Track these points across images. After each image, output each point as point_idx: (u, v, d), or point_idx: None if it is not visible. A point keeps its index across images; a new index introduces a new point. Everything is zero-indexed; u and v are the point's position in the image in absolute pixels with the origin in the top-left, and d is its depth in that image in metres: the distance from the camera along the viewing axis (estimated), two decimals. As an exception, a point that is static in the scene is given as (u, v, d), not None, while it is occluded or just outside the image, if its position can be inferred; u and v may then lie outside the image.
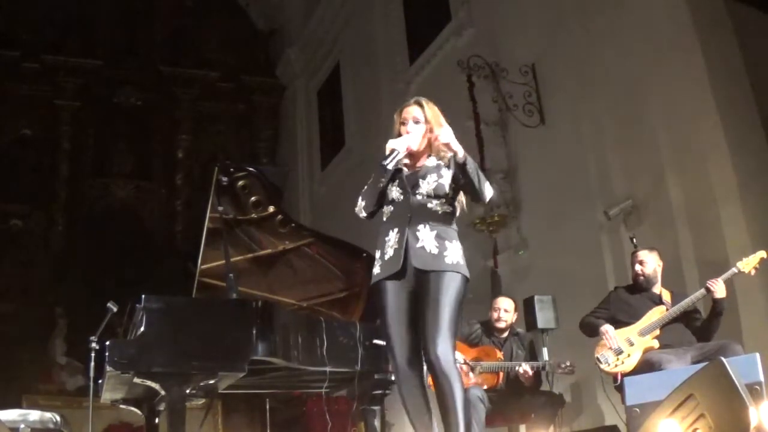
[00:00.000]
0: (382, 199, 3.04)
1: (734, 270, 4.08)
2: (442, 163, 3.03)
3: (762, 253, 4.06)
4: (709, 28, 5.44)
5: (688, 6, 5.45)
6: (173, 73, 12.45)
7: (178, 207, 12.09)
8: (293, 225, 4.51)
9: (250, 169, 4.49)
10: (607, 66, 5.99)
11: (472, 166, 2.92)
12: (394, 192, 3.03)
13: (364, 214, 3.07)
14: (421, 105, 3.09)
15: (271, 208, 4.45)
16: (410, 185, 3.00)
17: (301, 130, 12.41)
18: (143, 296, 3.78)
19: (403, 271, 2.93)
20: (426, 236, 2.93)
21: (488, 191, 2.99)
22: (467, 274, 2.96)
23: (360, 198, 3.07)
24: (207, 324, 3.83)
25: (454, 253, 2.93)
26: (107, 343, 3.73)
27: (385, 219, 3.06)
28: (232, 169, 4.41)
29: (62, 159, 11.70)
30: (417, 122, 3.06)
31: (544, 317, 5.49)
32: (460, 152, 2.90)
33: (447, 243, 2.93)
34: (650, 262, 4.36)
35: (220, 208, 4.32)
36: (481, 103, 6.87)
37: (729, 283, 4.17)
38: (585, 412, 5.86)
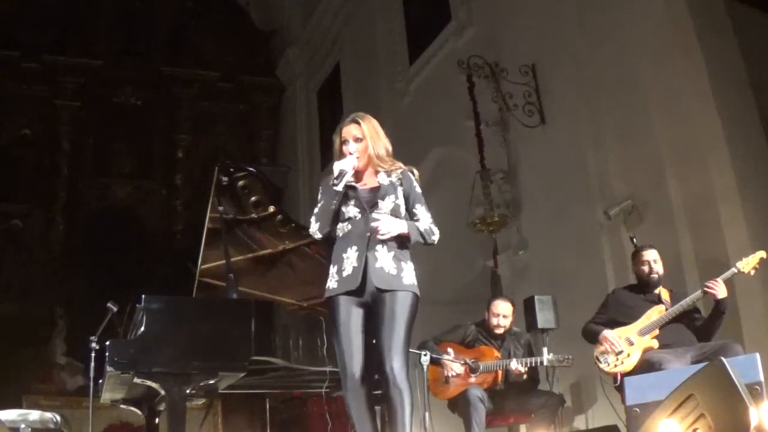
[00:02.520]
0: (336, 219, 3.10)
1: (734, 270, 4.08)
2: (396, 182, 3.11)
3: (762, 253, 4.07)
4: (709, 28, 5.44)
5: (688, 6, 5.45)
6: (173, 73, 12.44)
7: (178, 207, 12.08)
8: (293, 225, 4.51)
9: (251, 169, 4.50)
10: (607, 66, 5.98)
11: (415, 233, 3.06)
12: (351, 210, 3.08)
13: (319, 236, 3.13)
14: (358, 123, 3.15)
15: (272, 208, 4.46)
16: (369, 205, 3.06)
17: (301, 130, 12.42)
18: (143, 296, 3.79)
19: (360, 290, 3.00)
20: (384, 257, 3.01)
21: (436, 238, 3.15)
22: (419, 293, 3.06)
23: (313, 219, 3.13)
24: (207, 324, 3.83)
25: (410, 273, 3.06)
26: (107, 343, 3.74)
27: (341, 235, 3.10)
28: (232, 169, 4.42)
29: (62, 159, 11.69)
30: (357, 140, 3.13)
31: (544, 317, 5.49)
32: (404, 229, 3.02)
33: (403, 264, 3.04)
34: (659, 261, 4.36)
35: (221, 208, 4.32)
36: (481, 103, 6.86)
37: (729, 283, 4.17)
38: (585, 412, 5.86)
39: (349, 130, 3.15)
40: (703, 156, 5.25)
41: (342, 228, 3.10)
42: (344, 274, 3.03)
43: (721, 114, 5.17)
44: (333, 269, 3.08)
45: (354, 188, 3.09)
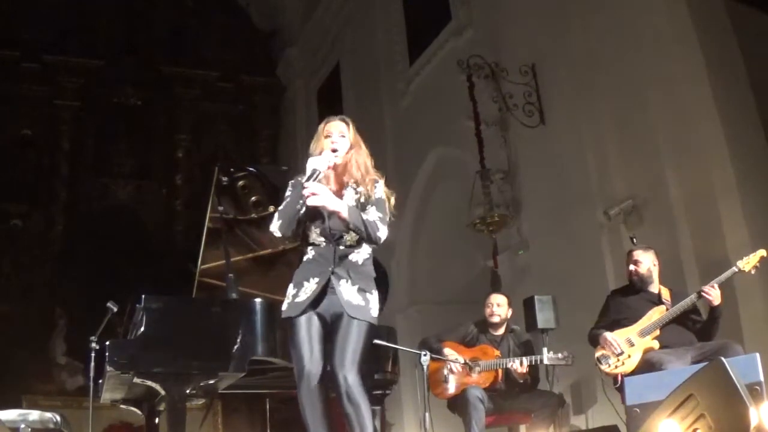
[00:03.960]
0: (297, 221, 2.98)
1: (734, 269, 4.07)
2: (362, 200, 3.01)
3: (762, 252, 4.06)
4: (709, 28, 5.44)
5: (688, 6, 5.45)
6: (173, 73, 12.45)
7: (178, 207, 12.08)
8: (293, 225, 4.50)
9: (250, 169, 4.51)
10: (607, 66, 5.99)
11: (356, 219, 2.90)
12: (315, 236, 3.01)
13: (279, 234, 3.00)
14: (346, 123, 3.10)
15: (272, 208, 4.45)
16: (334, 237, 2.98)
17: (301, 130, 12.42)
18: (143, 296, 3.79)
19: (329, 310, 2.95)
20: (348, 291, 2.94)
21: (381, 234, 2.95)
22: (376, 323, 3.01)
23: (276, 216, 3.00)
24: (207, 324, 3.84)
25: (375, 305, 3.00)
26: (107, 343, 3.74)
27: (305, 259, 3.04)
28: (232, 169, 4.43)
29: (62, 159, 11.68)
30: (343, 136, 3.06)
31: (544, 317, 5.49)
32: (342, 211, 2.87)
33: (368, 295, 2.99)
34: (645, 262, 4.35)
35: (220, 208, 4.33)
36: (481, 103, 6.87)
37: (729, 283, 4.17)
38: (585, 412, 5.86)
39: (336, 125, 3.08)
40: (703, 156, 5.25)
41: (308, 253, 3.04)
42: (297, 300, 2.97)
43: (721, 114, 5.18)
44: (292, 290, 3.01)
45: (321, 215, 2.97)
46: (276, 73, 13.12)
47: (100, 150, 12.10)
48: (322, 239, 3.00)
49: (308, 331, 2.94)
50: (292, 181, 3.07)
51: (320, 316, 2.97)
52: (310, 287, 2.97)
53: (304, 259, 3.06)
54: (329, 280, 2.95)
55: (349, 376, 2.84)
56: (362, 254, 3.03)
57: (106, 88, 12.12)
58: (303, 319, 2.95)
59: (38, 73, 11.74)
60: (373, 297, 3.01)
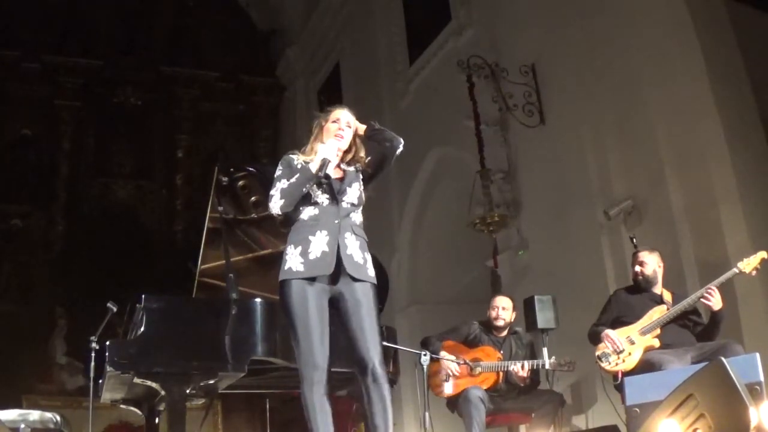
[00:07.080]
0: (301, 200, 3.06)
1: (735, 270, 4.08)
2: (358, 169, 3.18)
3: (763, 254, 4.06)
4: (709, 28, 5.44)
5: (687, 6, 5.45)
6: (173, 73, 12.44)
7: (178, 207, 12.07)
8: (294, 225, 4.50)
9: (250, 169, 4.52)
10: (607, 66, 5.99)
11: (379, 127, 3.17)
12: (320, 196, 3.06)
13: (279, 212, 3.04)
14: (352, 115, 3.23)
15: (272, 208, 4.45)
16: (338, 192, 3.07)
17: (301, 130, 12.41)
18: (143, 296, 3.80)
19: (334, 276, 2.97)
20: (352, 244, 3.02)
21: (401, 138, 3.14)
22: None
23: (277, 195, 3.03)
24: (207, 324, 3.84)
25: (371, 264, 3.09)
26: (107, 343, 3.75)
27: (305, 218, 3.05)
28: (232, 169, 4.44)
29: (62, 159, 11.67)
30: (349, 126, 3.18)
31: (544, 317, 5.48)
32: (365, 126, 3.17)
33: (366, 255, 3.08)
34: (650, 263, 4.36)
35: (221, 208, 4.33)
36: (481, 103, 6.87)
37: (729, 283, 4.17)
38: (585, 412, 5.86)
39: (346, 114, 3.20)
40: (703, 156, 5.25)
41: (308, 212, 3.05)
42: (311, 256, 2.95)
43: (721, 114, 5.17)
44: (295, 250, 2.98)
45: (327, 175, 3.06)
46: (276, 73, 13.12)
47: (100, 150, 12.09)
48: (326, 197, 3.06)
49: (310, 311, 2.93)
50: (286, 160, 3.14)
51: (326, 291, 2.98)
52: (322, 239, 2.97)
53: (303, 219, 3.05)
54: (337, 233, 2.99)
55: (377, 362, 2.90)
56: (359, 216, 3.13)
57: (106, 88, 12.12)
58: (305, 293, 2.94)
59: (38, 73, 11.73)
60: (369, 257, 3.09)
